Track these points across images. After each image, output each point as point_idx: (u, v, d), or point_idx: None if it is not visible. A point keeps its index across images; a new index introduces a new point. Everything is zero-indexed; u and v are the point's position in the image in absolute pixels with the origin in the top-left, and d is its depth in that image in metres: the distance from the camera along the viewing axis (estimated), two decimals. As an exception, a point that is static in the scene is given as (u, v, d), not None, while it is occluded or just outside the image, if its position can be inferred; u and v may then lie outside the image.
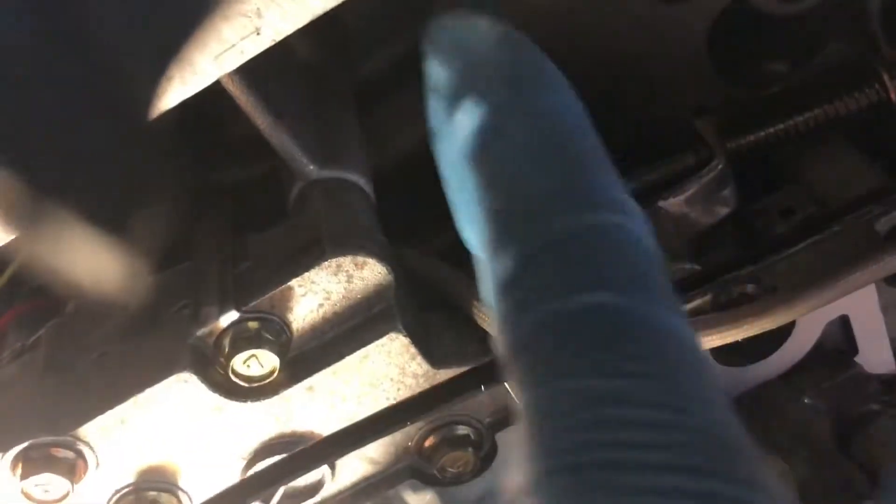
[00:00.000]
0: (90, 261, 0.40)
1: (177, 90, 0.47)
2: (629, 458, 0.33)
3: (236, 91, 0.61)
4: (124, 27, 0.35)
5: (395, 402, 0.64)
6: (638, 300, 0.39)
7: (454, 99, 0.49)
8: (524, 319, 0.40)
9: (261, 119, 0.62)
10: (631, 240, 0.41)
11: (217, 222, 0.69)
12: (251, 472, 0.64)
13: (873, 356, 0.72)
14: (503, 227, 0.43)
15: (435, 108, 0.52)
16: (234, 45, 0.48)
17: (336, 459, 0.65)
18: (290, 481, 0.63)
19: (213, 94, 0.52)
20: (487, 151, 0.46)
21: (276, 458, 0.64)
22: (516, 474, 0.36)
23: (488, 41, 0.51)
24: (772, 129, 0.73)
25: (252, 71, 0.56)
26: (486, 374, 0.62)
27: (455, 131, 0.48)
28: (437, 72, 0.52)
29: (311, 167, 0.65)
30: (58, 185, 0.37)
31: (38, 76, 0.34)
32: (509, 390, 0.63)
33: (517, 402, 0.39)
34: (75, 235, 0.38)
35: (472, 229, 0.48)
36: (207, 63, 0.48)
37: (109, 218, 0.40)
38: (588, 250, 0.40)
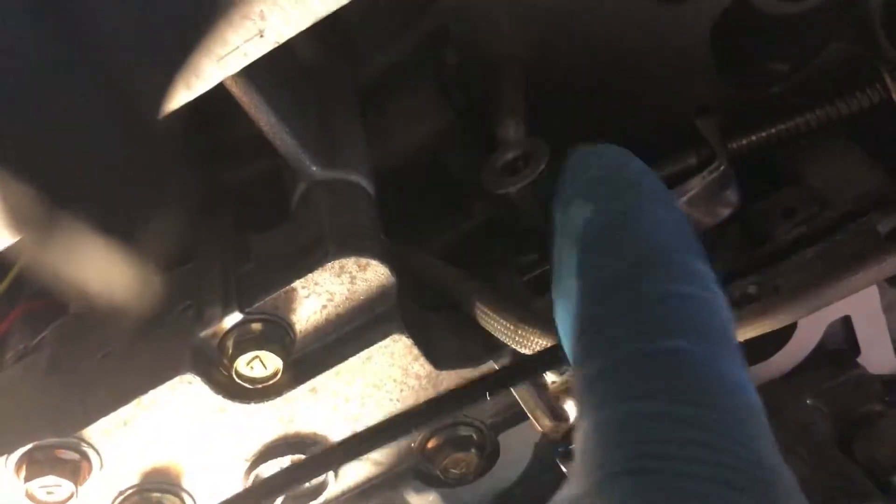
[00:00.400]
0: (100, 267, 0.40)
1: (181, 93, 0.47)
2: (683, 468, 0.39)
3: (239, 93, 0.61)
4: (131, 34, 0.35)
5: (398, 402, 0.64)
6: (708, 350, 0.44)
7: (574, 196, 0.55)
8: (607, 353, 0.46)
9: (264, 120, 0.62)
10: (711, 307, 0.47)
11: (220, 223, 0.69)
12: (254, 473, 0.64)
13: (875, 357, 0.72)
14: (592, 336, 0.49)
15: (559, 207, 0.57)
16: (237, 48, 0.48)
17: (341, 466, 0.65)
18: (295, 489, 0.63)
19: (216, 95, 0.52)
20: (598, 253, 0.51)
21: (280, 459, 0.64)
22: (572, 487, 0.42)
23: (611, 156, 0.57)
24: (773, 130, 0.73)
25: (255, 73, 0.56)
26: (491, 382, 0.62)
27: (570, 216, 0.54)
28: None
29: (314, 168, 0.65)
30: (69, 193, 0.37)
31: (49, 85, 0.34)
32: (515, 395, 0.63)
33: (580, 421, 0.45)
34: (86, 243, 0.38)
35: (563, 312, 0.53)
36: (211, 66, 0.48)
37: (120, 225, 0.40)
38: (672, 310, 0.46)
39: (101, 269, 0.41)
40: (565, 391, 0.62)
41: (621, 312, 0.47)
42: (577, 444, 0.44)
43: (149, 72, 0.36)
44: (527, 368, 0.61)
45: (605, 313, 0.47)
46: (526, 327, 0.59)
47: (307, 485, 0.66)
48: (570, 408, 0.63)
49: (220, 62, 0.48)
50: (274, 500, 0.63)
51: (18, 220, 0.37)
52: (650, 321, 0.46)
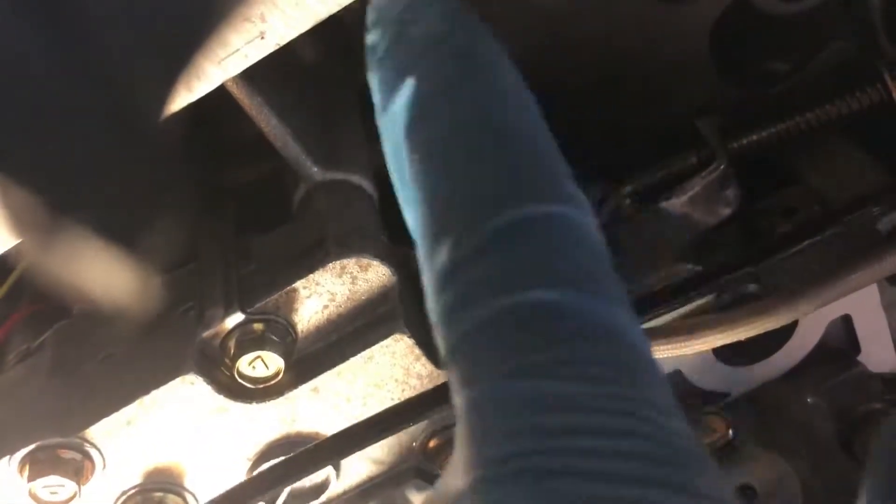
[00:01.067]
0: (102, 272, 0.40)
1: (182, 95, 0.47)
2: (573, 465, 0.32)
3: (240, 94, 0.61)
4: (131, 37, 0.35)
5: (399, 401, 0.64)
6: (586, 298, 0.36)
7: (396, 72, 0.45)
8: (463, 316, 0.37)
9: (265, 122, 0.62)
10: (579, 233, 0.39)
11: (221, 224, 0.70)
12: (257, 472, 0.65)
13: (875, 355, 0.72)
14: (442, 215, 0.40)
15: (377, 81, 0.47)
16: (238, 50, 0.49)
17: (340, 459, 0.65)
18: (294, 481, 0.63)
19: (217, 96, 0.52)
20: (426, 131, 0.42)
21: (282, 458, 0.65)
22: (453, 478, 0.34)
23: (435, 15, 0.47)
24: (773, 129, 0.73)
25: (256, 74, 0.56)
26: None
27: (395, 109, 0.44)
28: (379, 43, 0.48)
29: (316, 169, 0.65)
30: (71, 198, 0.38)
31: (47, 88, 0.34)
32: None
33: (455, 403, 0.37)
34: (88, 248, 0.39)
35: (411, 216, 0.43)
36: (212, 68, 0.48)
37: (122, 230, 0.40)
38: (534, 243, 0.38)
39: (103, 274, 0.41)
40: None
41: (480, 244, 0.38)
42: (457, 418, 0.36)
43: (149, 74, 0.36)
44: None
45: (458, 242, 0.38)
46: None
47: (308, 482, 0.66)
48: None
49: (221, 64, 0.48)
50: (273, 495, 0.63)
51: (21, 225, 0.37)
52: (518, 258, 0.37)
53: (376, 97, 0.47)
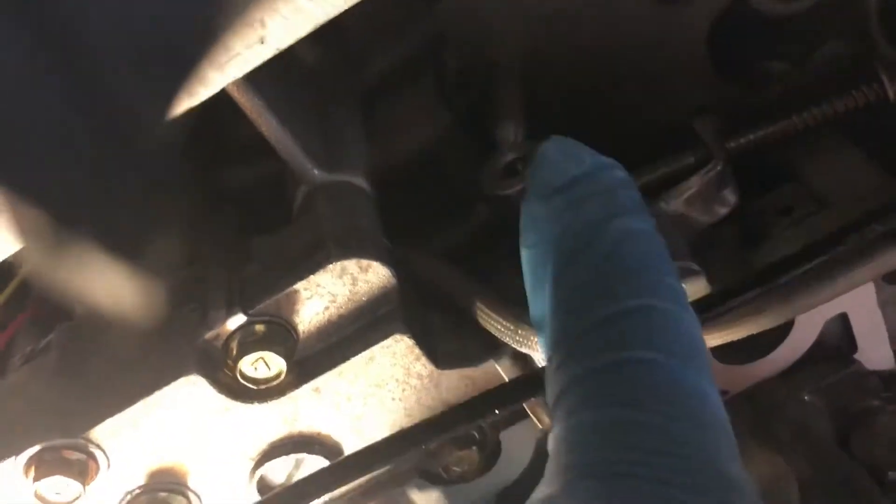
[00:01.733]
0: (107, 279, 0.41)
1: (184, 101, 0.48)
2: (648, 473, 0.42)
3: (241, 98, 0.61)
4: (132, 48, 0.35)
5: (400, 401, 0.65)
6: (676, 362, 0.46)
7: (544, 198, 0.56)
8: (574, 366, 0.48)
9: (265, 125, 0.63)
10: (674, 319, 0.49)
11: (223, 226, 0.70)
12: (259, 472, 0.65)
13: (872, 353, 0.73)
14: (568, 305, 0.52)
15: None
16: (239, 55, 0.49)
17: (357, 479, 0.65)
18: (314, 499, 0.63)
19: (216, 98, 0.52)
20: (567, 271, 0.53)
21: (283, 458, 0.65)
22: (546, 486, 0.44)
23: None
24: (771, 129, 0.73)
25: (256, 78, 0.56)
26: (499, 397, 0.62)
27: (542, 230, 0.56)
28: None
29: (316, 171, 0.66)
30: (74, 212, 0.38)
31: (49, 109, 0.35)
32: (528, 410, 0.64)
33: (553, 425, 0.48)
34: (93, 258, 0.39)
35: (538, 303, 0.55)
36: (213, 73, 0.49)
37: (125, 238, 0.41)
38: (636, 323, 0.48)
39: (107, 280, 0.41)
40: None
41: (595, 324, 0.49)
42: (550, 447, 0.47)
43: (151, 82, 0.37)
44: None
45: (579, 324, 0.50)
46: (526, 327, 0.59)
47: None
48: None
49: (222, 68, 0.49)
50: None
51: (26, 237, 0.38)
52: (622, 332, 0.48)
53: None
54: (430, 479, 0.70)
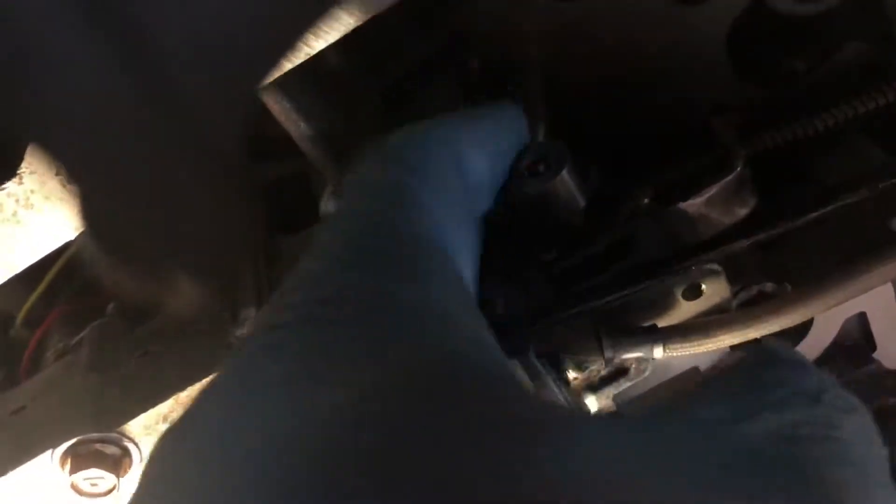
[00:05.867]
0: (191, 298, 0.42)
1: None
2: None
3: (269, 99, 0.63)
4: (203, 73, 0.37)
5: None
6: None
7: None
8: None
9: (293, 127, 0.64)
10: None
11: (252, 224, 0.71)
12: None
13: (892, 351, 0.73)
14: None
15: None
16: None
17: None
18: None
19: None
20: None
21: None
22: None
23: None
24: (791, 129, 0.74)
25: (284, 81, 0.58)
26: None
27: None
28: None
29: (342, 172, 0.67)
30: (167, 238, 0.39)
31: (137, 123, 0.36)
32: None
33: None
34: (182, 282, 0.41)
35: None
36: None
37: (213, 264, 0.42)
38: None
39: (190, 299, 0.43)
40: (586, 387, 0.64)
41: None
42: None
43: (212, 98, 0.38)
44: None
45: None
46: None
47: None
48: (591, 403, 0.64)
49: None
50: None
51: (129, 268, 0.39)
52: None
53: None
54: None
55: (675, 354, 0.63)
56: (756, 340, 0.60)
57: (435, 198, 0.44)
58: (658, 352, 0.62)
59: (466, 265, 0.45)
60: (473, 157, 0.50)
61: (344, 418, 0.28)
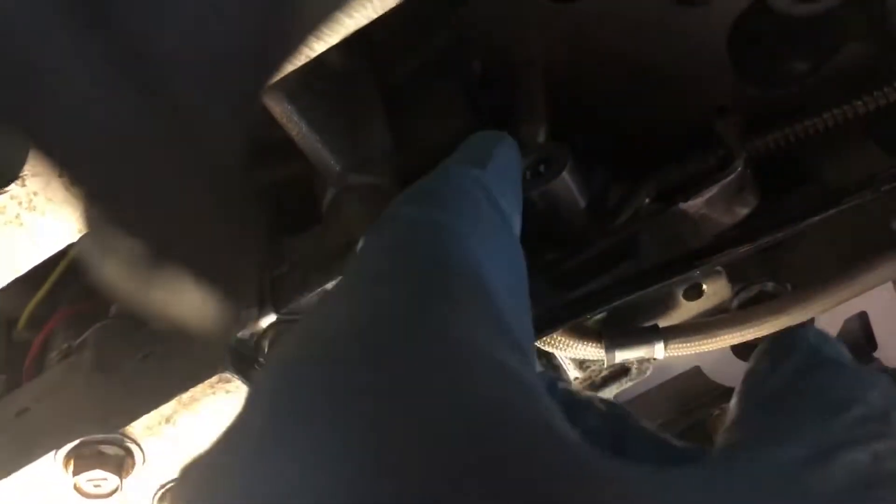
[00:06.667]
0: (194, 305, 0.42)
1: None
2: None
3: (270, 102, 0.63)
4: (204, 78, 0.37)
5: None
6: None
7: None
8: None
9: (295, 129, 0.64)
10: None
11: (254, 226, 0.72)
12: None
13: (892, 351, 0.73)
14: None
15: None
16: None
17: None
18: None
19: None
20: None
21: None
22: None
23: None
24: (791, 129, 0.74)
25: (286, 84, 0.58)
26: None
27: None
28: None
29: (344, 174, 0.67)
30: (170, 244, 0.40)
31: (142, 144, 0.36)
32: None
33: None
34: (186, 289, 0.41)
35: None
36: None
37: (216, 268, 0.42)
38: None
39: (196, 306, 0.43)
40: (588, 387, 0.64)
41: None
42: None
43: (214, 103, 0.38)
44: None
45: None
46: None
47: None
48: (593, 403, 0.64)
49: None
50: None
51: (127, 274, 0.39)
52: None
53: None
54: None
55: (676, 354, 0.63)
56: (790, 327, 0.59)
57: (473, 230, 0.43)
58: (659, 351, 0.62)
59: (512, 293, 0.43)
60: (498, 188, 0.51)
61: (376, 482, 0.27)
